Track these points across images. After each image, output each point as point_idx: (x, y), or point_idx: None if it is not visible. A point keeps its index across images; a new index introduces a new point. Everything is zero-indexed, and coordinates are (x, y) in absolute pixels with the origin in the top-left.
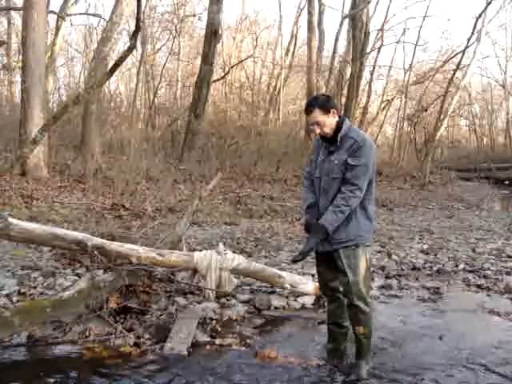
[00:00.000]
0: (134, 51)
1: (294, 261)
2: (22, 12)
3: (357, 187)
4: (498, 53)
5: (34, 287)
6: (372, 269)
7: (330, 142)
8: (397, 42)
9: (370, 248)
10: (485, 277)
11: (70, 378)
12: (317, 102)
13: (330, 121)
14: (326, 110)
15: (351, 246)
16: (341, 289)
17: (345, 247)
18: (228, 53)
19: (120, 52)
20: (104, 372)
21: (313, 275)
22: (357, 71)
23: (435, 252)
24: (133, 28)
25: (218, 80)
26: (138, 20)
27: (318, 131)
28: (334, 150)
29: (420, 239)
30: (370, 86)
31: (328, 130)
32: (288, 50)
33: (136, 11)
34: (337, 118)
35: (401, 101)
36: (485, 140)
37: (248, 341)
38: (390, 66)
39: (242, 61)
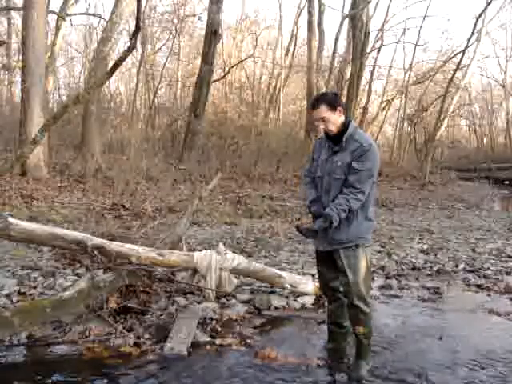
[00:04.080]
0: (134, 51)
1: (298, 230)
2: (22, 12)
3: (359, 191)
4: (498, 53)
5: (34, 287)
6: (372, 269)
7: (335, 141)
8: (397, 42)
9: (370, 248)
10: (485, 277)
11: (70, 378)
12: (324, 98)
13: (335, 118)
14: (333, 107)
15: (351, 247)
16: (341, 289)
17: (345, 248)
18: (228, 53)
19: (120, 52)
20: (104, 372)
21: (313, 275)
22: (357, 71)
23: (435, 252)
24: (133, 28)
25: (218, 80)
26: (137, 20)
27: (322, 127)
28: (337, 151)
29: (420, 239)
30: (370, 86)
31: (332, 127)
32: (288, 50)
33: (136, 11)
34: (343, 118)
35: (401, 101)
36: (485, 140)
37: (248, 341)
38: (390, 66)
39: (242, 61)
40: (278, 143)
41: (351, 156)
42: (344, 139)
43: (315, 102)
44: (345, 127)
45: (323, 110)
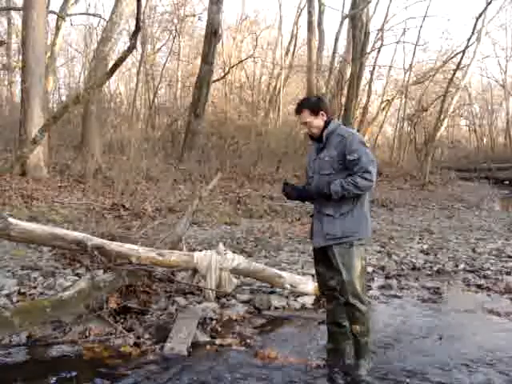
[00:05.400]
0: (134, 51)
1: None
2: (22, 12)
3: (364, 170)
4: (498, 53)
5: (34, 287)
6: (372, 269)
7: (318, 141)
8: (397, 42)
9: (365, 247)
10: (485, 277)
11: (70, 378)
12: (307, 104)
13: (317, 122)
14: (315, 112)
15: (346, 244)
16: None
17: (339, 244)
18: (228, 53)
19: (120, 52)
20: (104, 372)
21: (313, 275)
22: (357, 71)
23: (435, 252)
24: (133, 28)
25: (218, 80)
26: (137, 20)
27: (306, 131)
28: (322, 148)
29: (420, 239)
30: (369, 86)
31: (315, 130)
32: (288, 50)
33: (136, 11)
34: (325, 119)
35: (401, 101)
36: (485, 140)
37: (248, 341)
38: (390, 66)
39: (242, 61)
40: (277, 143)
41: (336, 150)
42: (324, 136)
43: (298, 107)
44: (326, 126)
45: (306, 116)
